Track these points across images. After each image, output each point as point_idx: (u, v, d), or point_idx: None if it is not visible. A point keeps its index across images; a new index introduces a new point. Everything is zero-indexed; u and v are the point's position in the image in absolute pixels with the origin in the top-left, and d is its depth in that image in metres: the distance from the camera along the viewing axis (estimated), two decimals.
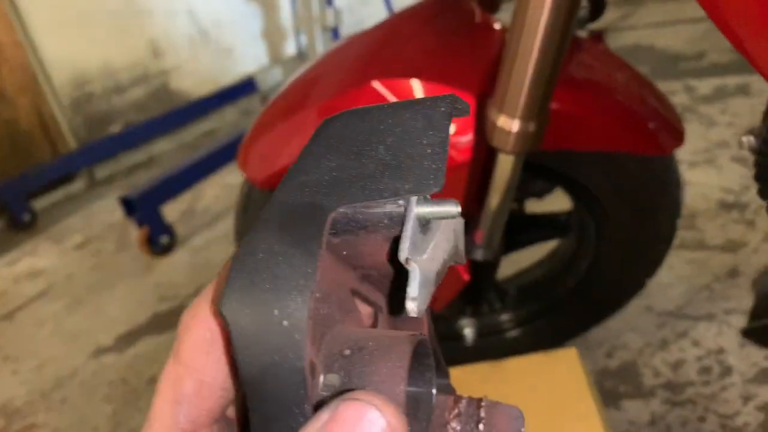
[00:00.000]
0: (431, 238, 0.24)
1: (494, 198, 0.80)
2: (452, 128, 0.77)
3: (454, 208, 0.23)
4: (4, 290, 2.14)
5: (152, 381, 1.51)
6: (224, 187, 2.52)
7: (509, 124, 0.70)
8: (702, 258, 1.38)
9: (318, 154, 0.25)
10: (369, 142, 0.24)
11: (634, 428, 1.03)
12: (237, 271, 0.21)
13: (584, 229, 1.04)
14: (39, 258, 2.34)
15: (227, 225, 2.24)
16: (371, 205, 0.23)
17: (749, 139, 0.67)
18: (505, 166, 0.75)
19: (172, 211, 2.44)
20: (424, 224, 0.23)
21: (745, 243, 1.39)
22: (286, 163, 0.83)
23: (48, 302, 2.00)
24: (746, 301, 1.22)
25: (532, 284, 1.16)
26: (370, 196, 0.23)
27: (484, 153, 0.80)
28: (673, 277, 1.35)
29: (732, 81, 2.18)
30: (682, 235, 1.46)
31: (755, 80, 2.07)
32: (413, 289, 0.21)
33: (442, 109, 0.24)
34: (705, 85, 2.21)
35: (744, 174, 1.64)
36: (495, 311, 1.16)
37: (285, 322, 0.20)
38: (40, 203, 2.76)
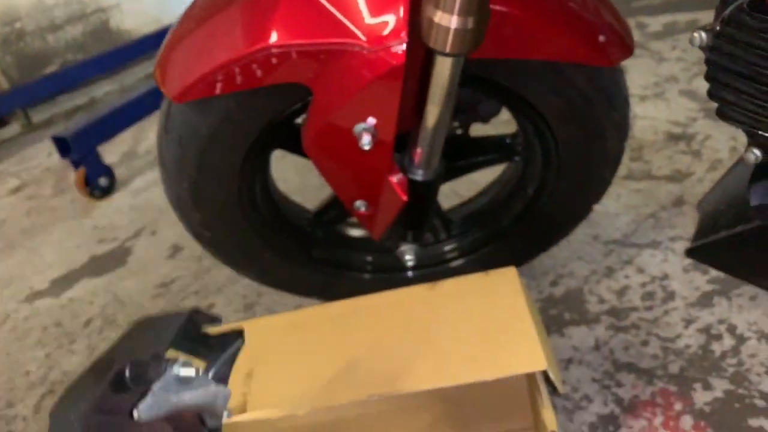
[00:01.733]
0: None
1: (432, 109, 0.73)
2: (385, 31, 0.69)
3: None
4: None
5: (88, 323, 1.42)
6: None
7: (447, 19, 0.62)
8: (648, 188, 1.35)
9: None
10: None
11: (579, 354, 1.00)
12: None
13: (530, 151, 0.98)
14: None
15: None
16: None
17: (701, 35, 0.61)
18: (443, 70, 0.68)
19: (112, 152, 2.30)
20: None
21: (691, 173, 1.36)
22: (203, 71, 0.74)
23: None
24: (691, 228, 1.19)
25: (477, 212, 1.11)
26: None
27: (420, 60, 0.72)
28: (619, 206, 1.31)
29: (683, 18, 2.14)
30: (629, 165, 1.43)
31: (705, 16, 2.03)
32: None
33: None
34: (656, 22, 2.16)
35: (692, 107, 1.60)
36: (440, 242, 1.11)
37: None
38: None
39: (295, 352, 0.79)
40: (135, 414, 0.44)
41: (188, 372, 0.52)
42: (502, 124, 1.04)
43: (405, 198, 0.81)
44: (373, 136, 0.74)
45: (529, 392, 0.83)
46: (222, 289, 1.40)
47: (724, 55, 0.57)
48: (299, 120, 0.87)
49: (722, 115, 0.63)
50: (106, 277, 1.59)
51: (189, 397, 0.49)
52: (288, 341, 0.82)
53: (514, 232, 1.06)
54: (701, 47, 0.60)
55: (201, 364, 0.62)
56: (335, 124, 0.75)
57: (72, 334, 1.41)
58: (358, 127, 0.74)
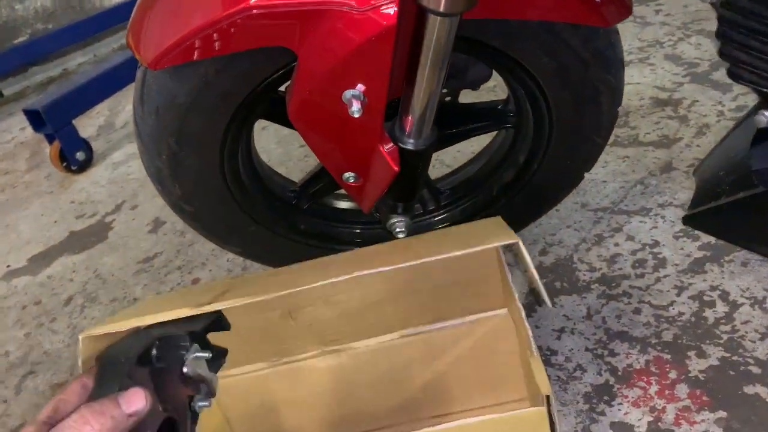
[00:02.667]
0: None
1: (425, 73, 0.68)
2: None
3: None
4: None
5: (69, 301, 1.37)
6: None
7: None
8: (636, 154, 1.32)
9: None
10: None
11: (570, 323, 0.97)
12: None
13: (522, 118, 0.94)
14: None
15: None
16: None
17: None
18: (437, 31, 0.63)
19: (88, 125, 2.21)
20: None
21: (679, 138, 1.33)
22: (179, 35, 0.68)
23: None
24: (680, 194, 1.17)
25: (467, 182, 1.07)
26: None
27: (412, 21, 0.67)
28: (607, 173, 1.28)
29: None
30: (616, 132, 1.39)
31: None
32: None
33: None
34: None
35: (677, 72, 1.57)
36: (429, 212, 1.07)
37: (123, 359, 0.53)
38: None
39: (271, 278, 0.76)
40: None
41: (204, 355, 0.58)
42: (488, 91, 0.99)
43: (397, 168, 0.76)
44: (363, 104, 0.69)
45: (522, 359, 0.80)
46: (206, 264, 1.35)
47: (738, 11, 0.52)
48: (283, 88, 0.82)
49: (734, 75, 0.59)
50: (86, 253, 1.53)
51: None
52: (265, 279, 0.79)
53: (505, 201, 1.02)
54: (712, 3, 0.56)
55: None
56: (322, 90, 0.70)
57: (52, 312, 1.35)
58: (347, 93, 0.69)
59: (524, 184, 0.99)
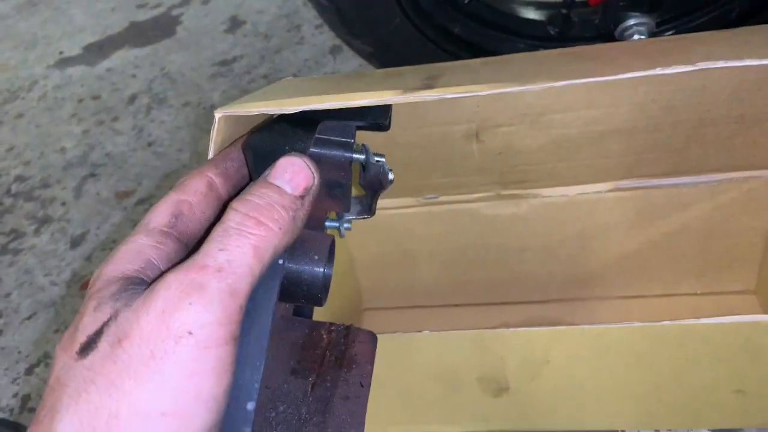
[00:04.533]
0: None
1: None
2: None
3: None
4: None
5: (133, 100, 1.14)
6: None
7: None
8: None
9: None
10: None
11: None
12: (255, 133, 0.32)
13: None
14: None
15: None
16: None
17: None
18: None
19: None
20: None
21: None
22: None
23: None
24: None
25: None
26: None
27: None
28: None
29: None
30: None
31: None
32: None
33: None
34: None
35: None
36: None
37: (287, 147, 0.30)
38: None
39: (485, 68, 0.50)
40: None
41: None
42: None
43: None
44: None
45: None
46: (298, 75, 1.09)
47: None
48: None
49: None
50: (150, 47, 1.27)
51: None
52: None
53: None
54: None
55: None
56: None
57: (113, 110, 1.13)
58: None
59: None
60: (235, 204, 0.25)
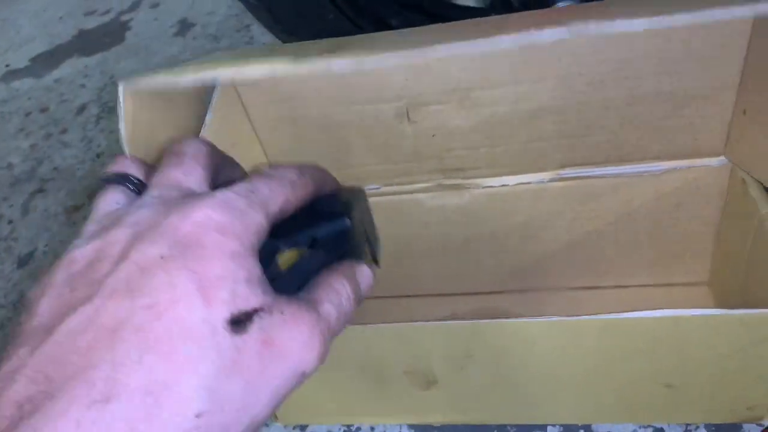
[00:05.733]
0: None
1: None
2: None
3: None
4: None
5: (82, 110, 1.10)
6: None
7: None
8: None
9: None
10: None
11: None
12: None
13: None
14: None
15: None
16: None
17: None
18: None
19: None
20: None
21: None
22: None
23: None
24: None
25: None
26: None
27: None
28: None
29: None
30: None
31: None
32: None
33: None
34: None
35: None
36: None
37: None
38: None
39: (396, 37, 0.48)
40: None
41: None
42: None
43: None
44: None
45: (722, 231, 0.55)
46: None
47: None
48: None
49: None
50: (99, 55, 1.23)
51: None
52: None
53: None
54: None
55: None
56: None
57: (62, 121, 1.09)
58: None
59: None
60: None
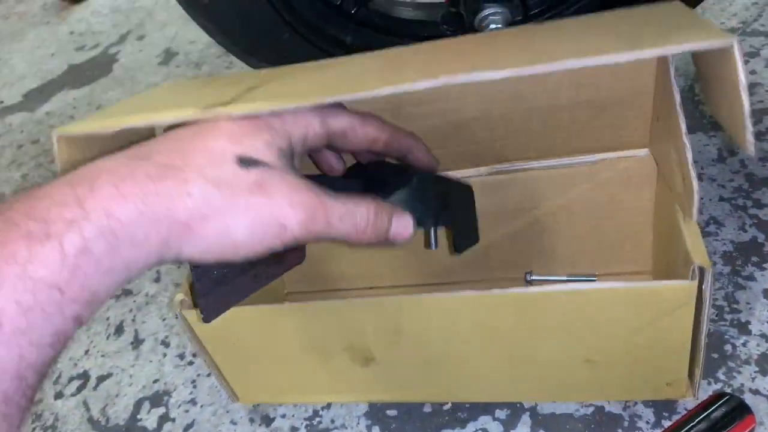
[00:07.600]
0: None
1: None
2: None
3: None
4: None
5: None
6: None
7: None
8: None
9: None
10: None
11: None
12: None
13: None
14: None
15: None
16: None
17: None
18: None
19: None
20: None
21: None
22: None
23: None
24: None
25: None
26: None
27: None
28: None
29: None
30: None
31: None
32: None
33: None
34: None
35: None
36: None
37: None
38: None
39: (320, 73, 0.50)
40: None
41: None
42: None
43: None
44: None
45: (657, 220, 0.58)
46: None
47: None
48: None
49: None
50: (88, 87, 1.28)
51: None
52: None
53: None
54: None
55: None
56: None
57: (51, 151, 1.13)
58: None
59: None
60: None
